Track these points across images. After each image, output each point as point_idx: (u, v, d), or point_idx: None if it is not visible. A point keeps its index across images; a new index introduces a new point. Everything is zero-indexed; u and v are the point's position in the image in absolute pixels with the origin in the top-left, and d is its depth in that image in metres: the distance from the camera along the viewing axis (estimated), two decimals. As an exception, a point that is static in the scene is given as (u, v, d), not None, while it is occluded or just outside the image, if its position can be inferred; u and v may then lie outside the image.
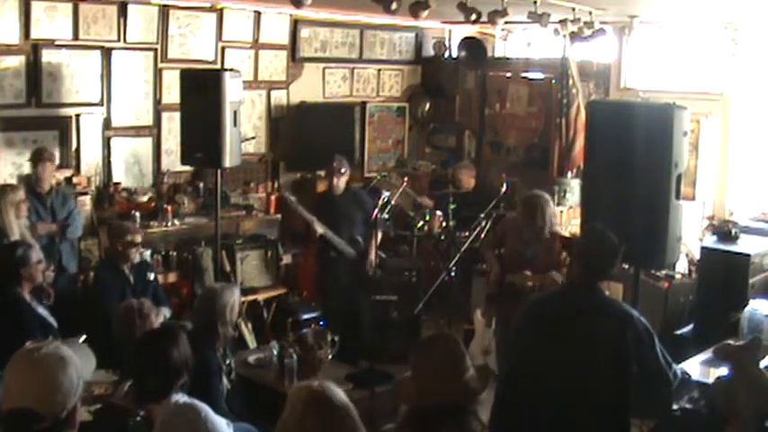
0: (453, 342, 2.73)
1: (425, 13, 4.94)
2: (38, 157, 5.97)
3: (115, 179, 6.88)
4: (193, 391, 3.21)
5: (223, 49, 7.52)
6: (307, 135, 8.08)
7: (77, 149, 6.68)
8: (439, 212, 7.73)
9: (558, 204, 7.55)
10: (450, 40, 9.41)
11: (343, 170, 6.68)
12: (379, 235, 6.83)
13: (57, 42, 6.42)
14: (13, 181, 6.16)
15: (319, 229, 6.52)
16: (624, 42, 7.99)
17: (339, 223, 6.62)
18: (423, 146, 9.56)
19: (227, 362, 4.50)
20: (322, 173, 8.18)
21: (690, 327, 6.07)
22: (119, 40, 6.79)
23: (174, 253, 6.78)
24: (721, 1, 6.02)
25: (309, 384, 2.44)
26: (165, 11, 7.03)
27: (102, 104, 6.79)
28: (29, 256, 4.63)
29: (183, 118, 6.01)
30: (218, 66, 7.40)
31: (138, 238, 5.68)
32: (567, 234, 6.08)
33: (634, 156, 4.67)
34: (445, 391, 2.58)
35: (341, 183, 6.67)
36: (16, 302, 4.55)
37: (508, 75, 8.94)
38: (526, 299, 4.49)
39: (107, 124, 6.84)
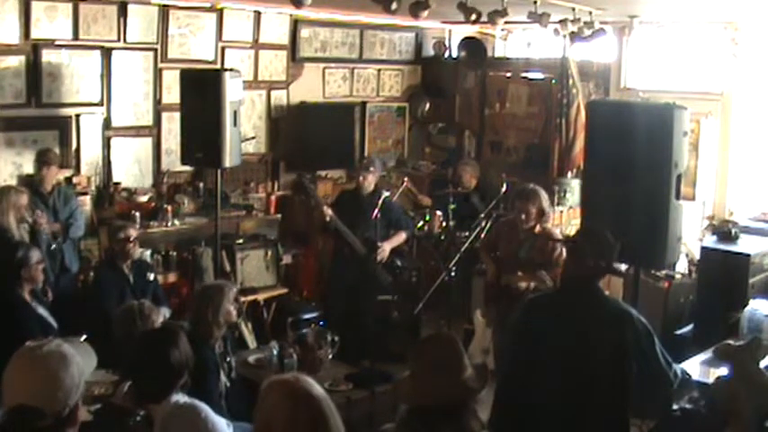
0: (451, 341, 2.73)
1: (425, 13, 4.94)
2: (43, 159, 5.99)
3: (115, 179, 6.88)
4: (190, 389, 3.21)
5: (223, 49, 7.52)
6: (307, 135, 8.07)
7: (77, 149, 6.68)
8: (439, 212, 7.73)
9: (558, 204, 7.56)
10: (450, 40, 9.41)
11: (371, 168, 6.70)
12: (403, 236, 6.82)
13: (57, 42, 6.42)
14: (13, 181, 6.17)
15: (329, 212, 6.50)
16: (624, 42, 7.99)
17: (359, 222, 6.59)
18: (423, 146, 9.56)
19: (228, 359, 4.51)
20: (323, 173, 8.21)
21: (690, 327, 6.07)
22: (119, 40, 6.79)
23: (174, 253, 6.78)
24: (721, 1, 6.02)
25: (287, 379, 2.43)
26: (165, 11, 7.03)
27: (102, 104, 6.79)
28: (30, 256, 4.64)
29: (183, 118, 6.01)
30: (218, 66, 7.40)
31: (132, 232, 5.66)
32: (562, 235, 6.07)
33: (634, 156, 4.67)
34: (444, 390, 2.58)
35: (367, 181, 6.65)
36: (17, 303, 4.56)
37: (508, 75, 8.95)
38: (524, 299, 4.50)
39: (107, 124, 6.84)
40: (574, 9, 6.15)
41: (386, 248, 6.64)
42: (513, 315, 3.98)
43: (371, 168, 6.69)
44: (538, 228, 5.54)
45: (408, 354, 2.74)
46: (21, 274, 4.57)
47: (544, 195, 5.65)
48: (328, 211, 6.51)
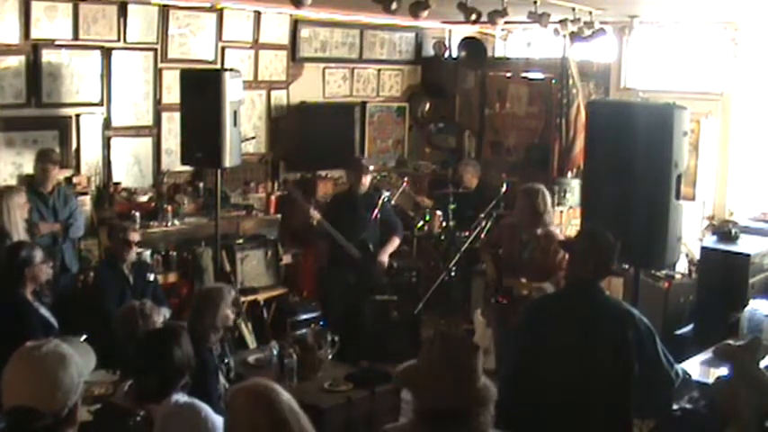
0: (468, 348, 2.70)
1: (425, 13, 4.94)
2: (44, 159, 5.99)
3: (115, 179, 6.88)
4: (191, 391, 3.21)
5: (223, 49, 7.52)
6: (307, 135, 8.08)
7: (77, 149, 6.68)
8: (439, 212, 7.73)
9: (558, 204, 7.56)
10: (450, 40, 9.41)
11: (371, 167, 6.81)
12: (396, 241, 6.80)
13: (57, 42, 6.41)
14: (13, 181, 6.17)
15: (316, 216, 6.48)
16: (624, 42, 7.99)
17: (355, 223, 6.56)
18: (423, 146, 9.56)
19: (226, 361, 4.52)
20: (323, 173, 8.22)
21: (690, 327, 6.07)
22: (119, 40, 6.79)
23: (174, 253, 6.78)
24: (721, 1, 6.02)
25: (250, 386, 2.45)
26: (165, 11, 7.03)
27: (102, 104, 6.79)
28: (33, 256, 4.64)
29: (183, 118, 6.02)
30: (218, 66, 7.39)
31: (134, 237, 5.68)
32: (564, 236, 6.06)
33: (634, 156, 4.67)
34: (443, 390, 2.56)
35: (366, 181, 6.63)
36: (19, 303, 4.55)
37: (508, 75, 8.95)
38: (526, 301, 4.50)
39: (107, 124, 6.84)
40: (574, 9, 6.16)
41: (384, 260, 6.65)
42: (515, 317, 3.98)
43: (372, 167, 6.75)
44: (540, 229, 5.51)
45: (425, 348, 2.68)
46: (24, 274, 4.57)
47: (541, 196, 5.56)
48: (315, 215, 6.48)
